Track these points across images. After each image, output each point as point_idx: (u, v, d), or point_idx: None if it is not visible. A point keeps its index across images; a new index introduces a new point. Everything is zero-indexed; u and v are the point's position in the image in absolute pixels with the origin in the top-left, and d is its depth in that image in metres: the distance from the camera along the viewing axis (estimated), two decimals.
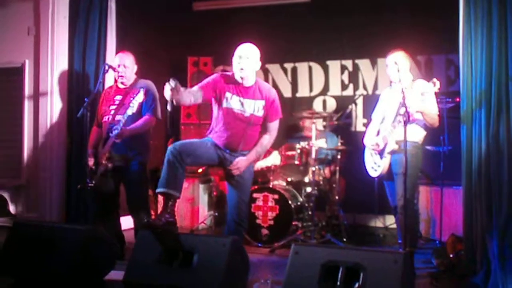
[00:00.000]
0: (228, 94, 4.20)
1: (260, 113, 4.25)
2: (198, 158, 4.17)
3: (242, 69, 4.15)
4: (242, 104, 4.19)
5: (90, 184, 4.73)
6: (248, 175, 4.37)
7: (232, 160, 4.26)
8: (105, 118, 4.85)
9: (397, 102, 4.41)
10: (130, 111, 4.62)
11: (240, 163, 4.23)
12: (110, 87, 5.09)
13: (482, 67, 4.35)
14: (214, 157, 4.24)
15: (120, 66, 4.88)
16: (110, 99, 4.92)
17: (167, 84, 3.78)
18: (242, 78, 4.18)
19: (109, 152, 4.70)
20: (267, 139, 4.35)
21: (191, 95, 4.07)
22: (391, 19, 6.80)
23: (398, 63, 4.54)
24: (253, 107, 4.21)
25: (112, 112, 4.81)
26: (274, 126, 4.36)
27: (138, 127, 4.74)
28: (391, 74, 4.69)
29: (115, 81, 5.00)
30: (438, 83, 4.28)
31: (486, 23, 4.36)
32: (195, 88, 4.19)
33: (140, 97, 4.64)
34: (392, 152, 4.57)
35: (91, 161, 4.83)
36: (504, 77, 4.27)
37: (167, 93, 3.79)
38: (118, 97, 4.87)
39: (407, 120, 4.12)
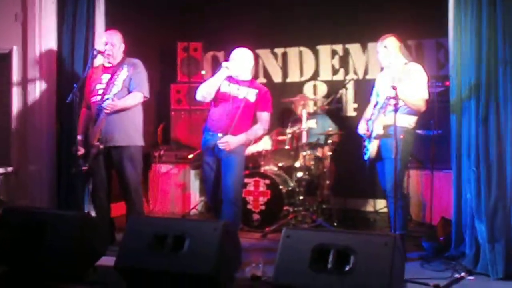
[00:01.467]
0: (226, 82, 4.65)
1: (252, 99, 4.65)
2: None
3: (237, 75, 4.67)
4: (237, 89, 4.64)
5: (83, 168, 4.72)
6: (239, 158, 4.66)
7: None
8: (94, 99, 4.82)
9: (387, 87, 4.42)
10: (115, 89, 4.60)
11: (227, 138, 4.54)
12: (97, 67, 5.06)
13: (471, 52, 4.34)
14: (217, 164, 4.66)
15: (108, 44, 4.86)
16: (97, 78, 4.89)
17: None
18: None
19: (100, 133, 4.68)
20: (258, 127, 4.72)
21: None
22: (381, 3, 6.77)
23: (388, 47, 4.56)
24: (247, 92, 4.63)
25: (101, 91, 4.77)
26: (264, 117, 4.73)
27: (127, 100, 4.75)
28: (382, 59, 4.71)
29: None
30: (393, 92, 4.25)
31: (476, 7, 4.35)
32: None
33: (124, 74, 4.64)
34: (380, 137, 4.60)
35: (81, 144, 4.80)
36: (493, 62, 4.27)
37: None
38: (106, 76, 4.83)
39: (397, 104, 4.14)
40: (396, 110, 4.18)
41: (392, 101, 4.18)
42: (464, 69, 4.41)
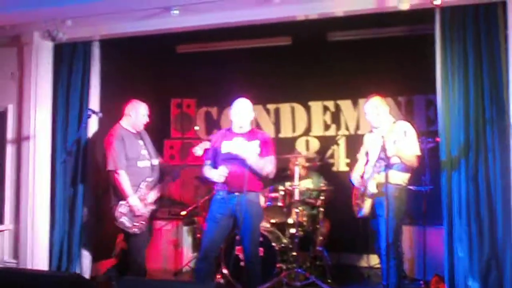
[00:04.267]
0: (226, 142, 4.77)
1: (257, 151, 4.75)
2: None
3: (241, 127, 4.76)
4: (238, 146, 4.72)
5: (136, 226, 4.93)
6: (256, 217, 4.80)
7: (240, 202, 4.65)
8: (143, 163, 5.06)
9: (378, 146, 4.48)
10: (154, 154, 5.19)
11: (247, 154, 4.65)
12: (123, 129, 5.13)
13: (459, 111, 4.45)
14: (230, 224, 4.75)
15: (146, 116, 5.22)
16: (135, 143, 5.11)
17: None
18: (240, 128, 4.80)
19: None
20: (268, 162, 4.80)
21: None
22: (371, 61, 6.91)
23: (377, 107, 4.65)
24: (248, 148, 4.71)
25: (147, 157, 5.10)
26: (269, 160, 4.81)
27: None
28: (372, 120, 4.78)
29: (118, 124, 5.15)
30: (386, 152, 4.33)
31: (462, 68, 4.48)
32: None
33: (148, 140, 5.27)
34: (374, 195, 4.62)
35: (141, 210, 4.95)
36: (482, 120, 4.38)
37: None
38: (141, 142, 5.15)
39: (388, 165, 4.18)
40: (388, 168, 4.22)
41: (383, 162, 4.22)
42: (453, 128, 4.51)
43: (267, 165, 4.74)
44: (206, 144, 4.93)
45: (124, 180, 4.87)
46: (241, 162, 4.64)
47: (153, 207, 5.06)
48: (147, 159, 5.08)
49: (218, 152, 4.79)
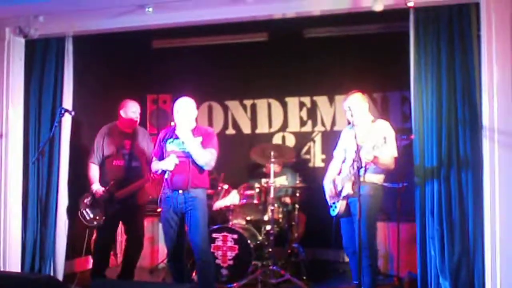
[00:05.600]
0: (170, 140, 4.80)
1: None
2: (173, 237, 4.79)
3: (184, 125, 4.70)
4: (182, 143, 4.70)
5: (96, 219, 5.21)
6: (202, 212, 4.75)
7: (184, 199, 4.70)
8: (118, 162, 5.32)
9: (354, 145, 4.46)
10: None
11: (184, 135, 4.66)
12: (114, 127, 5.42)
13: (432, 112, 4.50)
14: (177, 220, 4.78)
15: (136, 114, 5.44)
16: (118, 142, 5.32)
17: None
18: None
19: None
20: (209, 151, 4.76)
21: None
22: (348, 57, 6.94)
23: (355, 105, 4.64)
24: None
25: (127, 157, 5.29)
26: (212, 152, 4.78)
27: None
28: (350, 118, 4.76)
29: (114, 122, 5.45)
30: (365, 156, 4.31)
31: (436, 69, 4.53)
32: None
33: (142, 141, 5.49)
34: (349, 196, 4.64)
35: (99, 192, 5.22)
36: (454, 120, 4.42)
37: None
38: (127, 142, 5.35)
39: (360, 166, 4.18)
40: (360, 170, 4.20)
41: (357, 163, 4.21)
42: (426, 129, 4.55)
43: (206, 154, 4.69)
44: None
45: (92, 170, 5.35)
46: (185, 160, 4.67)
47: (118, 206, 5.23)
48: (124, 159, 5.28)
49: (163, 150, 4.83)
